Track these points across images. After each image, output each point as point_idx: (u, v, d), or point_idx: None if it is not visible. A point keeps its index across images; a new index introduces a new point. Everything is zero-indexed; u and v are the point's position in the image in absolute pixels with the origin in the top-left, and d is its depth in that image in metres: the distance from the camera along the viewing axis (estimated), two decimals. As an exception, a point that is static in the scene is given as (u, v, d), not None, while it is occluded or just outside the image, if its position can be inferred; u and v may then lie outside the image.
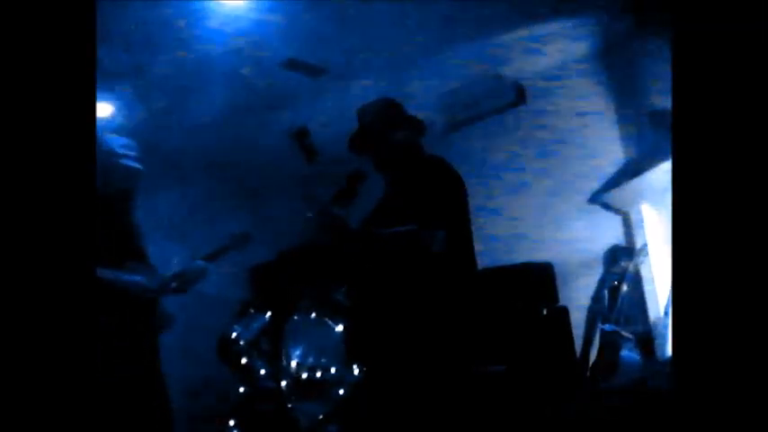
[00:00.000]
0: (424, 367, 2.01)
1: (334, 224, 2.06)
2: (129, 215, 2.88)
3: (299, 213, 2.15)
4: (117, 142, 2.87)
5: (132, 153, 2.87)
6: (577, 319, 3.66)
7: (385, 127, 2.28)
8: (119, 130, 4.08)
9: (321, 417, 3.16)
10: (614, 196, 3.77)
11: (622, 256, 3.65)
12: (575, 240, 3.92)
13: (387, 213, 2.23)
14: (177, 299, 3.13)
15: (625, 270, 3.56)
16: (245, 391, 3.45)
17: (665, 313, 3.29)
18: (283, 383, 3.29)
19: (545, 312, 3.50)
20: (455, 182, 2.21)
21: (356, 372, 3.26)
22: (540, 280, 3.63)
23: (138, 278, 2.75)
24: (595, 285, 3.79)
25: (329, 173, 2.31)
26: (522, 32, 3.57)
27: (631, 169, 3.71)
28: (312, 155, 2.29)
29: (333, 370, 3.29)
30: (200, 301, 3.16)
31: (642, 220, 3.69)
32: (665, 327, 3.26)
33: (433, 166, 2.22)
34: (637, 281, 3.62)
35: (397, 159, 2.28)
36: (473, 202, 2.29)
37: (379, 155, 2.30)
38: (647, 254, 3.60)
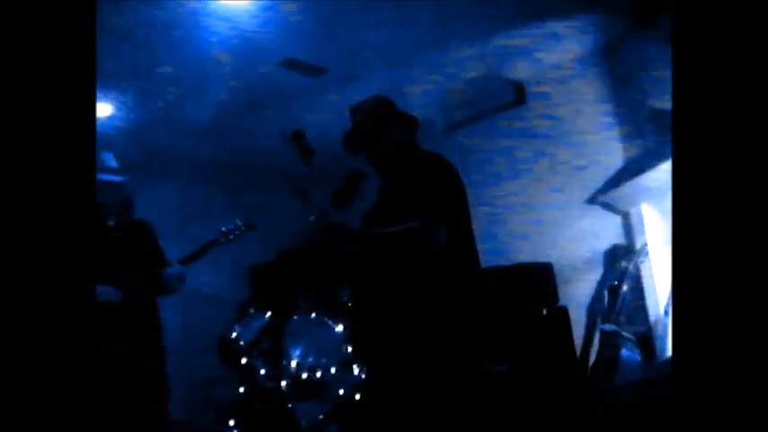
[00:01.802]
0: (425, 367, 2.00)
1: (333, 229, 2.08)
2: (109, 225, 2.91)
3: (298, 213, 2.16)
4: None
5: (112, 166, 2.90)
6: (577, 319, 3.67)
7: (378, 125, 2.29)
8: (120, 130, 4.09)
9: (321, 417, 3.16)
10: (614, 196, 3.77)
11: (622, 256, 3.65)
12: (575, 240, 3.92)
13: (384, 211, 2.23)
14: (177, 299, 3.14)
15: (625, 270, 3.56)
16: (245, 391, 3.44)
17: (665, 313, 3.29)
18: (283, 383, 3.28)
19: (545, 312, 3.50)
20: (452, 177, 2.20)
21: (356, 372, 3.26)
22: (540, 280, 3.63)
23: (106, 289, 2.75)
24: (595, 285, 3.79)
25: (328, 172, 2.32)
26: (522, 32, 3.57)
27: (631, 169, 3.70)
28: (309, 155, 2.30)
29: (333, 370, 3.28)
30: (200, 302, 3.16)
31: (642, 220, 3.69)
32: (665, 327, 3.26)
33: (430, 163, 2.22)
34: (637, 281, 3.62)
35: (392, 156, 2.29)
36: (472, 202, 2.29)
37: (374, 152, 2.31)
38: (647, 254, 3.60)
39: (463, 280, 2.13)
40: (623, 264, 3.59)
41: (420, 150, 2.34)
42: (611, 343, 3.40)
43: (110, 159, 2.96)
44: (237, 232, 3.22)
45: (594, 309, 3.70)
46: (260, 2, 3.05)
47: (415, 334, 2.04)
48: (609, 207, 3.85)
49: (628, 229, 3.77)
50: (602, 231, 3.85)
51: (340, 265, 3.39)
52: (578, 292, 3.79)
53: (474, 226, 2.26)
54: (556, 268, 3.71)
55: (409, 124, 2.35)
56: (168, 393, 2.96)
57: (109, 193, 2.85)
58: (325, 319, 3.52)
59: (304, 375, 3.27)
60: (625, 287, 3.54)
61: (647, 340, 3.48)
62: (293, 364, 3.33)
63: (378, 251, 2.17)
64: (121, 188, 2.92)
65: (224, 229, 3.17)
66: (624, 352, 3.34)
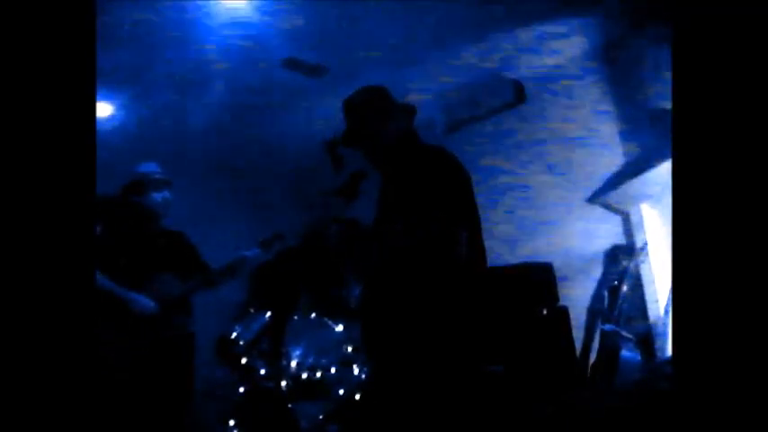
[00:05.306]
0: (430, 367, 1.99)
1: (351, 233, 2.03)
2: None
3: (298, 213, 2.16)
4: (149, 168, 3.03)
5: (162, 177, 3.05)
6: (577, 319, 3.67)
7: (371, 118, 2.18)
8: (120, 130, 4.10)
9: (321, 417, 3.16)
10: (614, 196, 3.77)
11: (622, 256, 3.65)
12: (575, 240, 3.92)
13: (388, 212, 2.12)
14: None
15: (625, 270, 3.56)
16: (245, 391, 3.45)
17: (665, 313, 3.29)
18: (283, 383, 3.29)
19: (545, 312, 3.50)
20: (459, 173, 2.09)
21: (356, 372, 3.27)
22: (540, 280, 3.63)
23: (140, 297, 2.80)
24: (595, 285, 3.80)
25: (327, 172, 2.31)
26: (522, 32, 3.57)
27: (631, 169, 3.70)
28: (340, 164, 2.28)
29: (333, 370, 3.29)
30: (200, 302, 3.17)
31: (642, 220, 3.69)
32: (665, 327, 3.26)
33: (434, 159, 2.09)
34: (637, 281, 3.62)
35: (390, 151, 2.17)
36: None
37: (370, 149, 2.19)
38: (647, 254, 3.60)
39: (471, 281, 2.07)
40: (623, 264, 3.59)
41: (421, 144, 2.21)
42: (611, 343, 3.40)
43: (154, 166, 3.12)
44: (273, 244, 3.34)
45: (594, 309, 3.70)
46: (260, 2, 3.05)
47: (424, 334, 2.00)
48: (609, 207, 3.85)
49: (628, 229, 3.77)
50: (602, 231, 3.85)
51: (345, 264, 3.39)
52: (578, 292, 3.79)
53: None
54: (556, 268, 3.71)
55: (406, 114, 2.22)
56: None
57: (156, 192, 3.03)
58: (325, 319, 3.52)
59: (304, 375, 3.28)
60: (625, 287, 3.53)
61: (647, 340, 3.48)
62: (293, 364, 3.34)
63: (395, 253, 2.05)
64: (167, 186, 3.08)
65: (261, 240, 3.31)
66: (624, 352, 3.34)
